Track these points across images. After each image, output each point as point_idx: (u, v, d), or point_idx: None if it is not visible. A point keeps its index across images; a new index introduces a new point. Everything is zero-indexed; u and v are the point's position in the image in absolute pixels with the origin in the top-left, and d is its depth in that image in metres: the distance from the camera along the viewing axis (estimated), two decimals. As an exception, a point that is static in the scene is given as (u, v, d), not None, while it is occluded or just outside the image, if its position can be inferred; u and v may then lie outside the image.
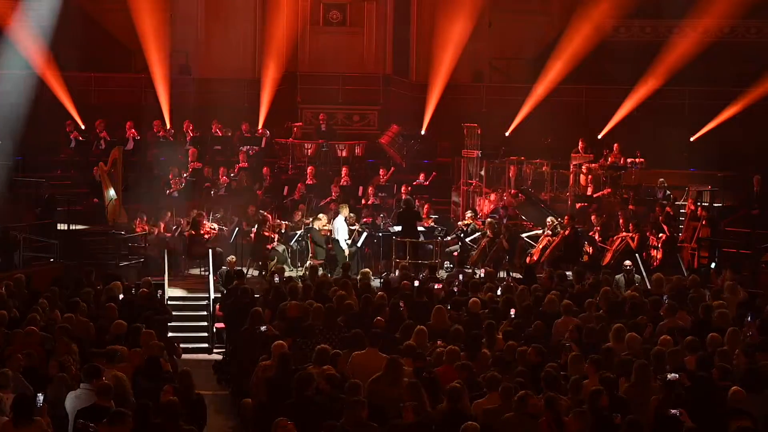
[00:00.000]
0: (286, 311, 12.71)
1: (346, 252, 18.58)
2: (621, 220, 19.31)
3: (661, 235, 19.01)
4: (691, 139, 24.19)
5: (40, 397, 8.88)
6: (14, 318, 12.17)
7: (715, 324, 12.43)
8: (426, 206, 20.66)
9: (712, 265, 16.51)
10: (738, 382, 9.63)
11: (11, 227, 17.50)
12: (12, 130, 21.20)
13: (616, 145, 23.11)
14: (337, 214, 19.10)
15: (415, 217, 19.01)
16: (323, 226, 19.01)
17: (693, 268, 18.37)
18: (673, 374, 9.57)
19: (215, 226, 19.41)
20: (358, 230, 19.23)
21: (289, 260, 18.95)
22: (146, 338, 11.22)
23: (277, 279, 15.25)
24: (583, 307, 13.37)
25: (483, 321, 12.35)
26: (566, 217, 19.25)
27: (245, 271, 17.21)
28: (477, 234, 19.41)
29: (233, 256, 17.33)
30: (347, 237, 18.74)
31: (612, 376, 9.83)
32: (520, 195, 21.33)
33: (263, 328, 11.93)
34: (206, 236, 18.87)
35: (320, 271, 16.43)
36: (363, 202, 21.60)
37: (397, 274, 16.94)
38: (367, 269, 16.19)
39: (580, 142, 23.14)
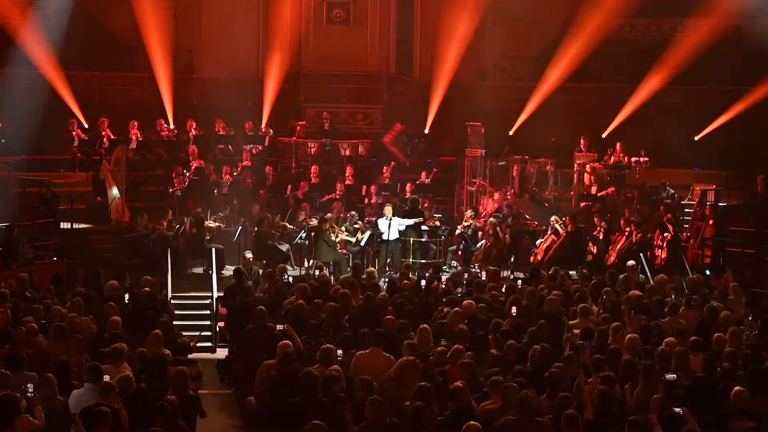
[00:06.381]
0: (302, 312, 12.65)
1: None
2: (623, 219, 19.27)
3: (665, 234, 18.98)
4: (696, 138, 24.14)
5: (30, 386, 8.86)
6: (16, 317, 12.14)
7: (720, 324, 12.41)
8: (426, 203, 20.66)
9: (707, 272, 16.38)
10: (742, 382, 9.59)
11: (14, 225, 17.48)
12: (15, 129, 21.18)
13: (619, 144, 23.08)
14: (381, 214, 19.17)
15: (420, 216, 19.01)
16: (344, 230, 19.00)
17: (697, 268, 18.36)
18: (671, 374, 9.54)
19: (214, 224, 19.40)
20: (362, 229, 19.22)
21: (291, 259, 18.95)
22: (153, 338, 11.18)
23: (290, 279, 15.25)
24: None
25: (482, 321, 12.33)
26: (568, 217, 19.24)
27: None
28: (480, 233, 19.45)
29: (249, 252, 17.34)
30: (397, 235, 18.74)
31: (613, 375, 9.82)
32: (523, 194, 21.34)
33: (281, 327, 11.82)
34: (209, 235, 18.86)
35: (322, 271, 16.37)
36: (366, 201, 21.59)
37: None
38: (372, 269, 16.17)
39: (581, 141, 23.11)
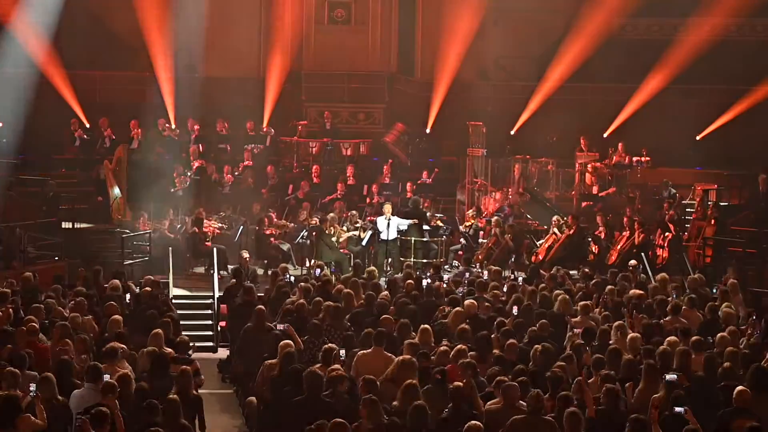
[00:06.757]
0: (303, 311, 12.63)
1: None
2: (625, 219, 19.26)
3: (666, 234, 18.96)
4: (697, 137, 24.12)
5: (33, 386, 8.86)
6: (19, 317, 12.14)
7: (722, 324, 12.40)
8: (427, 203, 20.64)
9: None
10: (744, 381, 9.58)
11: (16, 225, 17.48)
12: (16, 129, 21.18)
13: (620, 143, 23.06)
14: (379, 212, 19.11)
15: (421, 216, 18.98)
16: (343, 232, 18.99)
17: (698, 268, 18.35)
18: (672, 374, 9.53)
19: (216, 224, 19.39)
20: (363, 227, 19.21)
21: (293, 259, 18.94)
22: (154, 337, 11.17)
23: (292, 278, 15.23)
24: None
25: (484, 321, 12.32)
26: (570, 216, 19.23)
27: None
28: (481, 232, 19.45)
29: (246, 251, 17.33)
30: (394, 235, 18.67)
31: (614, 374, 9.81)
32: (525, 194, 21.31)
33: (282, 326, 11.80)
34: (209, 234, 18.84)
35: (323, 270, 16.34)
36: (367, 200, 21.57)
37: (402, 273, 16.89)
38: (373, 268, 16.15)
39: (582, 140, 23.10)
